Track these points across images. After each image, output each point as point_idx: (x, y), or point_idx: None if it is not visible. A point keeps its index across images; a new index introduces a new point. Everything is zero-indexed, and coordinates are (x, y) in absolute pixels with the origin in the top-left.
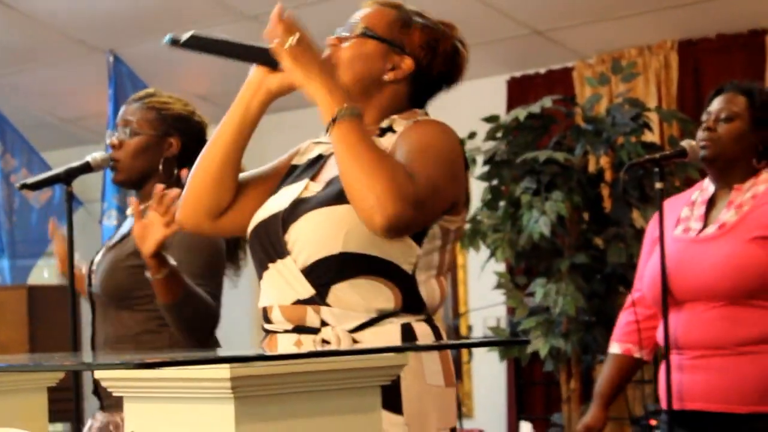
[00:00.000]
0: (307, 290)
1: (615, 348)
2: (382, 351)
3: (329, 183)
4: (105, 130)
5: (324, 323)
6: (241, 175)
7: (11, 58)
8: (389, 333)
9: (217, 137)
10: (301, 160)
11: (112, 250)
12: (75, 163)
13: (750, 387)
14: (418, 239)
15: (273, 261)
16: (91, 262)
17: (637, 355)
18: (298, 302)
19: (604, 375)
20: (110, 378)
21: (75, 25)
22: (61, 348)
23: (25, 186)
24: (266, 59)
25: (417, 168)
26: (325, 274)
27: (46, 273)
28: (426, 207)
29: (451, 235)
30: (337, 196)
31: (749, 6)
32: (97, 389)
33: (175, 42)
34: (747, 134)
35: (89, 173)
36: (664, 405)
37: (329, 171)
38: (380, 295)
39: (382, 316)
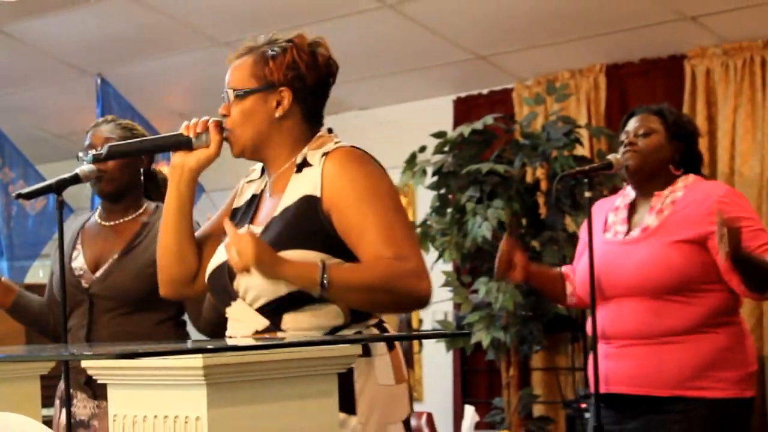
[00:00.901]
0: (262, 323)
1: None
2: (336, 342)
3: (268, 226)
4: None
5: None
6: (197, 234)
7: (9, 80)
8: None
9: (165, 223)
10: (240, 203)
11: (123, 261)
12: (65, 175)
13: (669, 373)
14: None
15: (228, 305)
16: (70, 267)
17: (568, 290)
18: (257, 332)
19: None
20: (96, 367)
21: (66, 51)
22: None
23: (20, 195)
24: (179, 144)
25: (395, 234)
26: (277, 309)
27: (41, 273)
28: (418, 257)
29: None
30: (275, 243)
31: (669, 34)
32: (90, 380)
33: (96, 158)
34: (665, 146)
35: (78, 184)
36: (592, 389)
37: (264, 211)
38: (330, 313)
39: (333, 331)
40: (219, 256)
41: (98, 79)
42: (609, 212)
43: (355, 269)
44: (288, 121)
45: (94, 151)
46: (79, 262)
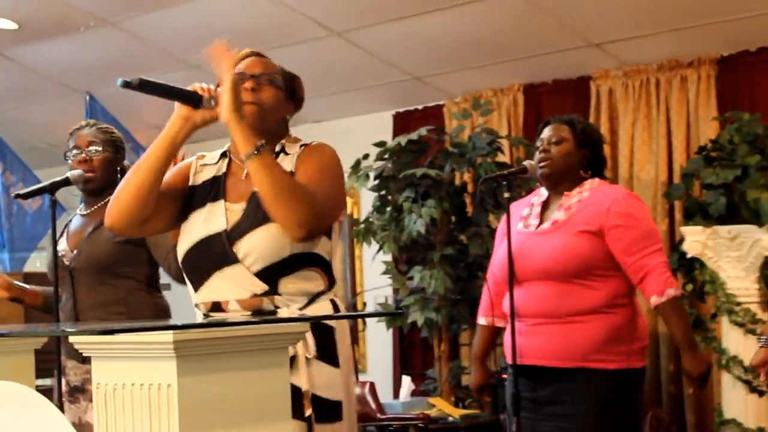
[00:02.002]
0: (261, 287)
1: (482, 321)
2: (282, 321)
3: (249, 200)
4: None
5: (277, 307)
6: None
7: (10, 97)
8: (324, 307)
9: (148, 160)
10: (197, 181)
11: (92, 236)
12: (58, 178)
13: (574, 348)
14: (329, 234)
15: (219, 268)
16: (55, 251)
17: (498, 324)
18: (255, 295)
19: (477, 342)
20: (81, 342)
21: (59, 72)
22: (48, 320)
23: (19, 195)
24: (191, 99)
25: (320, 186)
26: (275, 273)
27: (38, 263)
28: (327, 214)
29: (339, 227)
30: (262, 212)
31: (577, 58)
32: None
33: (126, 84)
34: (573, 152)
35: (70, 186)
36: (509, 361)
37: (240, 188)
38: (315, 280)
39: (316, 296)
40: (204, 228)
41: (87, 96)
42: (525, 208)
43: (283, 169)
44: (284, 123)
45: (124, 79)
46: (62, 245)
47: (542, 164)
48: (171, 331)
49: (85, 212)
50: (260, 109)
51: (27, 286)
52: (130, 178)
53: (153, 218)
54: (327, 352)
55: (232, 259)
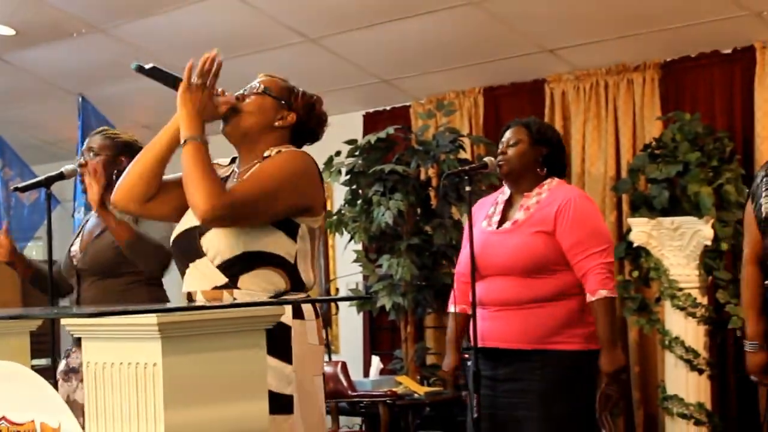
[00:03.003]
0: (222, 279)
1: (453, 309)
2: (263, 304)
3: None
4: (75, 150)
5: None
6: (164, 178)
7: (8, 98)
8: (283, 306)
9: (157, 142)
10: None
11: (97, 239)
12: (53, 173)
13: (531, 332)
14: (293, 236)
15: (193, 261)
16: (69, 250)
17: (469, 312)
18: (216, 288)
19: (450, 328)
20: (72, 324)
21: (54, 75)
22: (44, 305)
23: (17, 189)
24: (174, 85)
25: (250, 182)
26: (234, 268)
27: (34, 252)
28: (240, 209)
29: (317, 232)
30: None
31: (533, 63)
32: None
33: (140, 69)
34: (529, 151)
35: (64, 180)
36: (473, 343)
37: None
38: (275, 279)
39: (277, 295)
40: (189, 219)
41: (79, 98)
42: (491, 206)
43: (205, 161)
44: (278, 132)
45: (138, 63)
46: (75, 246)
47: (500, 164)
48: (155, 314)
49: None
50: (235, 109)
51: (26, 257)
52: (136, 161)
53: (157, 201)
54: (279, 349)
55: (201, 253)
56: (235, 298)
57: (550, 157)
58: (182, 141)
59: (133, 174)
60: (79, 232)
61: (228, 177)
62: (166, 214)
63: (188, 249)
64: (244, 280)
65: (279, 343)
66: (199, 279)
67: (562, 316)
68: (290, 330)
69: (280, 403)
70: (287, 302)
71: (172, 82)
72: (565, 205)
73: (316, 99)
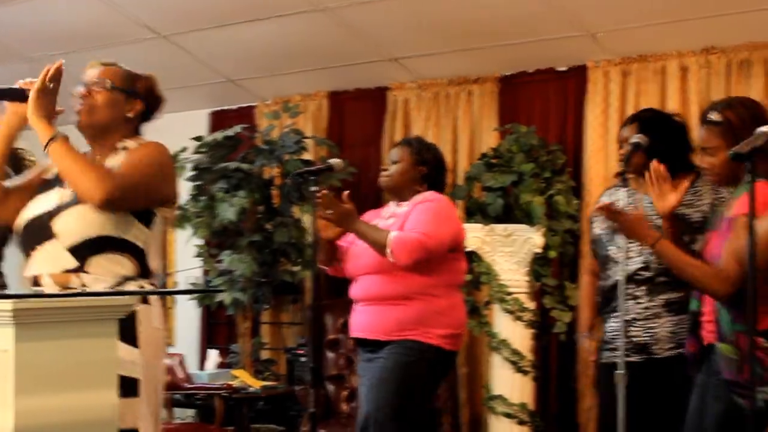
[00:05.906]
0: (72, 263)
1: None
2: (113, 294)
3: None
4: None
5: (84, 285)
6: (8, 183)
7: None
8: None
9: None
10: (48, 175)
11: None
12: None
13: (389, 324)
14: (147, 224)
15: (41, 243)
16: None
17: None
18: (66, 271)
19: None
20: None
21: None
22: None
23: None
24: (19, 96)
25: (129, 168)
26: (85, 250)
27: None
28: (125, 193)
29: (168, 222)
30: None
31: (377, 70)
32: None
33: None
34: (409, 169)
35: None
36: (352, 334)
37: None
38: (123, 264)
39: (125, 280)
40: (39, 206)
41: None
42: (377, 219)
43: (78, 152)
44: (129, 122)
45: None
46: None
47: (382, 179)
48: (10, 300)
49: None
50: (88, 111)
51: None
52: None
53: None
54: (126, 333)
55: (50, 234)
56: (83, 284)
57: (428, 176)
58: (47, 141)
59: None
60: None
61: None
62: (9, 220)
63: (38, 233)
64: (92, 263)
65: (125, 326)
66: (47, 261)
67: (413, 313)
68: (135, 314)
69: (127, 387)
70: (142, 293)
71: (20, 95)
72: (420, 202)
73: (153, 79)
